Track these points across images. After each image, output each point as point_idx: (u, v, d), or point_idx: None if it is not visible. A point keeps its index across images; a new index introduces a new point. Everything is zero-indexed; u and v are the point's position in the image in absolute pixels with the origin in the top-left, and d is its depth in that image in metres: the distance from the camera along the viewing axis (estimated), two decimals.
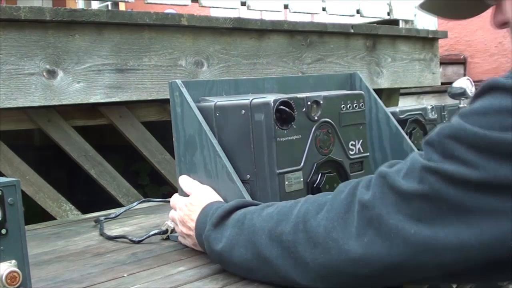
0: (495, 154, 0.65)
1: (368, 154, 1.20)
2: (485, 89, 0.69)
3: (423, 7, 0.99)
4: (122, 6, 5.29)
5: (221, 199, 1.04)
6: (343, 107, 1.14)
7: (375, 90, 1.43)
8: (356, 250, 0.74)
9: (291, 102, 1.03)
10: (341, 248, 0.75)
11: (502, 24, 0.82)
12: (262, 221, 0.86)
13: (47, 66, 1.60)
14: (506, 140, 0.65)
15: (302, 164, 1.06)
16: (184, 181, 1.12)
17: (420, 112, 1.56)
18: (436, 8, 1.00)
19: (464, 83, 1.69)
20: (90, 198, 2.18)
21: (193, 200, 1.05)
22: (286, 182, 1.03)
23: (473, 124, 0.67)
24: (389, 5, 2.66)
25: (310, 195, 0.87)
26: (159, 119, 2.03)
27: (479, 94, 0.70)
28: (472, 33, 4.24)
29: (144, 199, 1.66)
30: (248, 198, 1.02)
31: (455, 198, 0.68)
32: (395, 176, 0.73)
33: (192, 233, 1.02)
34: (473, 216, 0.67)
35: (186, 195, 1.09)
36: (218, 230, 0.92)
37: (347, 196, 0.78)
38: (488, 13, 0.87)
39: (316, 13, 2.47)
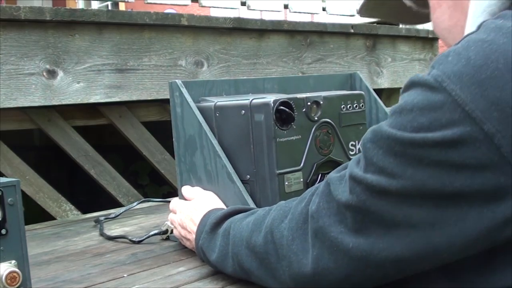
0: (409, 158, 0.60)
1: None
2: (407, 86, 0.64)
3: (364, 14, 0.95)
4: (122, 6, 5.29)
5: (223, 206, 1.04)
6: (343, 107, 1.14)
7: (375, 90, 1.43)
8: (308, 265, 0.71)
9: (291, 102, 1.03)
10: (299, 262, 0.73)
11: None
12: (242, 231, 0.85)
13: (47, 66, 1.60)
14: (416, 141, 0.59)
15: (302, 164, 1.06)
16: (187, 190, 1.12)
17: None
18: (381, 15, 0.97)
19: None
20: (90, 198, 2.18)
21: (196, 204, 1.05)
22: (286, 183, 1.03)
23: (389, 125, 0.62)
24: None
25: (282, 201, 0.84)
26: (159, 119, 2.03)
27: (402, 91, 0.65)
28: None
29: (144, 199, 1.66)
30: (248, 198, 1.02)
31: (381, 210, 0.63)
32: (336, 184, 0.69)
33: (192, 236, 1.01)
34: (401, 228, 0.63)
35: (187, 200, 1.10)
36: (211, 238, 0.92)
37: (306, 204, 0.74)
38: None
39: (316, 13, 2.47)
